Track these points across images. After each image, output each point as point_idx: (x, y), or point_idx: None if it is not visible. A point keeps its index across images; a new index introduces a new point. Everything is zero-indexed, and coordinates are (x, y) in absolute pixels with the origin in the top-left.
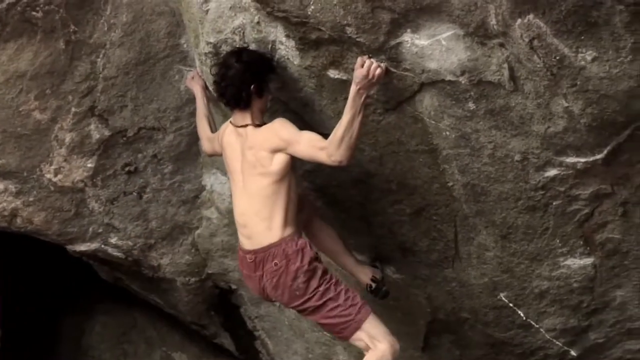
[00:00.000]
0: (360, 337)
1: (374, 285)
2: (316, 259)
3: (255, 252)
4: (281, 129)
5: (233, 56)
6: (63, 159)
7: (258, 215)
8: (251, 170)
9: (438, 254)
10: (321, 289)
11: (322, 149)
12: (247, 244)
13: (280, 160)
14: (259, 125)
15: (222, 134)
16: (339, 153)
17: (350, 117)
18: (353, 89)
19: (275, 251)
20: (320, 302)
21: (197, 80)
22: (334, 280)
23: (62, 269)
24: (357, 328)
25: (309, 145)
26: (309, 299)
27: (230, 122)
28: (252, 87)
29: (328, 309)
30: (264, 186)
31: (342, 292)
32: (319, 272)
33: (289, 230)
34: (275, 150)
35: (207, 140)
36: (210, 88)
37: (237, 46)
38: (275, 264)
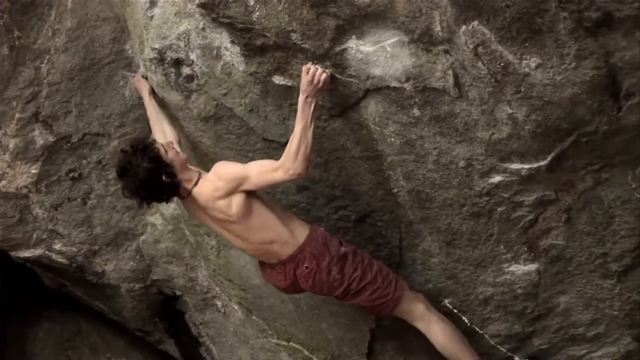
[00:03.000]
0: (400, 310)
1: None
2: (340, 243)
3: (282, 262)
4: (224, 173)
5: (126, 179)
6: (7, 165)
7: (265, 243)
8: (225, 223)
9: (383, 261)
10: (358, 273)
11: (276, 169)
12: (273, 260)
13: (237, 202)
14: (197, 181)
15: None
16: (297, 165)
17: (302, 127)
18: (301, 98)
19: (301, 256)
20: (360, 286)
21: (144, 82)
22: (366, 262)
23: (6, 275)
24: (397, 305)
25: (260, 173)
26: (349, 285)
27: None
28: (163, 177)
29: (368, 292)
30: (246, 227)
31: (377, 273)
32: (350, 257)
33: (302, 233)
34: (228, 194)
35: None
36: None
37: (117, 166)
38: (307, 267)
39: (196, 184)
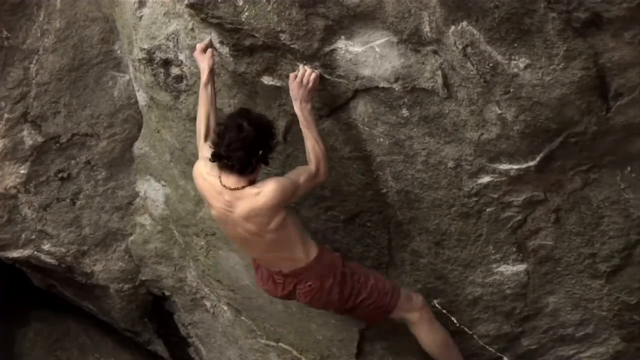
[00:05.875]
0: (394, 316)
1: None
2: (343, 265)
3: (284, 275)
4: (281, 195)
5: (242, 118)
6: None
7: (278, 258)
8: (252, 235)
9: (372, 261)
10: (354, 291)
11: (316, 174)
12: (274, 268)
13: (278, 218)
14: (251, 183)
15: (201, 178)
16: (327, 167)
17: (316, 132)
18: (296, 106)
19: (307, 275)
20: (355, 303)
21: (208, 57)
22: (362, 279)
23: None
24: (390, 312)
25: (306, 181)
26: (345, 303)
27: (220, 179)
28: (260, 153)
29: (363, 306)
30: (270, 241)
31: (373, 288)
32: (348, 278)
33: (313, 252)
34: (275, 214)
35: (200, 144)
36: (209, 150)
37: (241, 107)
38: (310, 285)
39: (244, 187)
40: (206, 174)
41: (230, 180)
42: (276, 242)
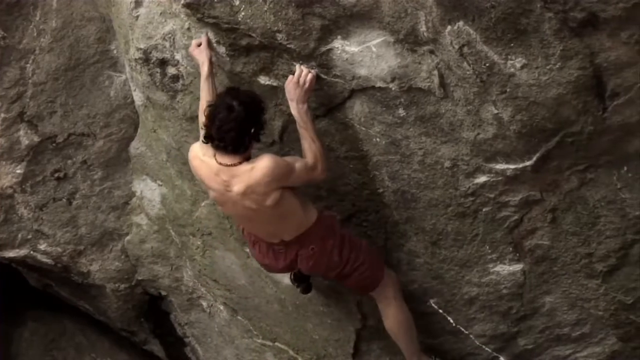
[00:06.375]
0: (377, 290)
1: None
2: (341, 227)
3: (286, 243)
4: (274, 170)
5: (232, 98)
6: None
7: (281, 228)
8: (252, 212)
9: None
10: (352, 255)
11: (314, 168)
12: (275, 239)
13: (275, 195)
14: (245, 161)
15: (197, 160)
16: (326, 165)
17: (311, 133)
18: (292, 106)
19: (309, 239)
20: (352, 268)
21: (205, 49)
22: (357, 244)
23: None
24: (380, 280)
25: (304, 172)
26: (344, 267)
27: (215, 158)
28: (252, 130)
29: (357, 274)
30: (271, 215)
31: (367, 255)
32: (346, 240)
33: (313, 215)
34: (271, 191)
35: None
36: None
37: (229, 86)
38: (312, 249)
39: (242, 162)
40: (202, 155)
41: (225, 158)
42: (277, 215)
